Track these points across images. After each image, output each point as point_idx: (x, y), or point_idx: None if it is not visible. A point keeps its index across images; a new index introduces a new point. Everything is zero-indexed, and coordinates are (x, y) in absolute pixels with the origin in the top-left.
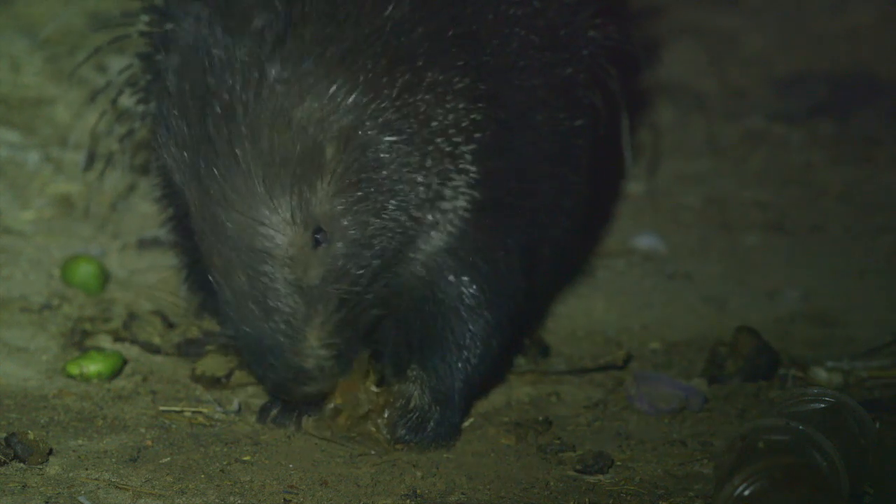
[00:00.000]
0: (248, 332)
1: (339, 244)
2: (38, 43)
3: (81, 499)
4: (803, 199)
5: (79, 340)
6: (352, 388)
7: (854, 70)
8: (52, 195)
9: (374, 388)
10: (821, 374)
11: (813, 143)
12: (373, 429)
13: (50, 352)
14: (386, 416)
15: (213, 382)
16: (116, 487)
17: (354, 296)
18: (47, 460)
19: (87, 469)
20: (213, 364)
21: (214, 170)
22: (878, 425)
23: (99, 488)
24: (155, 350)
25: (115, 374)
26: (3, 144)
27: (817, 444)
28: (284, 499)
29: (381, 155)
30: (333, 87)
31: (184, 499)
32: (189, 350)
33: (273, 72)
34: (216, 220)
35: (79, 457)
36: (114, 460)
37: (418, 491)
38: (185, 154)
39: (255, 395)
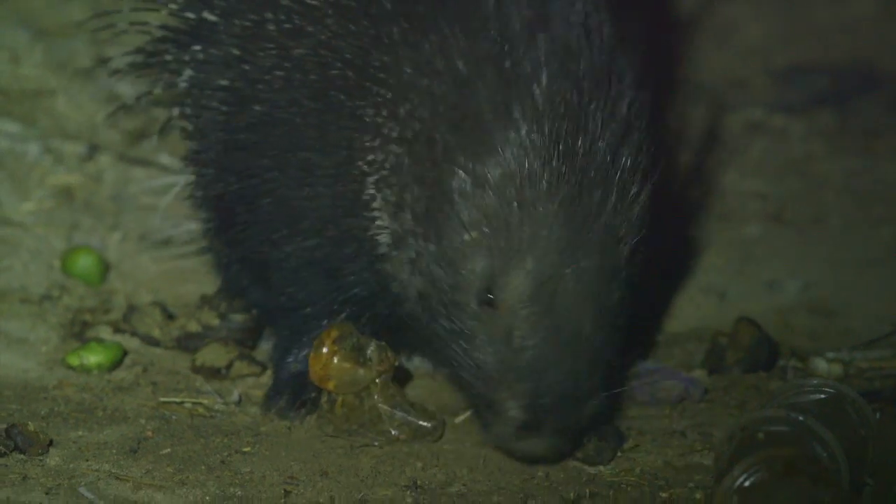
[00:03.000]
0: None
1: None
2: (38, 34)
3: (82, 490)
4: (803, 190)
5: (79, 331)
6: (345, 371)
7: (854, 61)
8: (52, 186)
9: (372, 353)
10: (821, 364)
11: (813, 134)
12: (383, 406)
13: (50, 343)
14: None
15: (214, 373)
16: (117, 478)
17: None
18: (47, 451)
19: (87, 460)
20: (213, 355)
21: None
22: (878, 416)
23: (99, 479)
24: (154, 343)
25: (116, 365)
26: (3, 136)
27: (817, 435)
28: (285, 490)
29: None
30: None
31: (184, 490)
32: (189, 344)
33: None
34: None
35: (79, 448)
36: (114, 451)
37: (419, 482)
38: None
39: (255, 387)
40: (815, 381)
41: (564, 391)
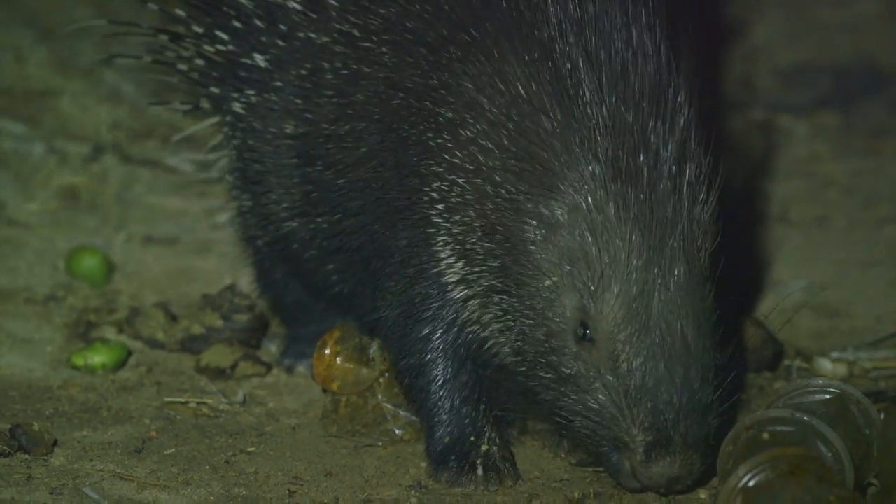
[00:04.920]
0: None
1: None
2: (43, 34)
3: (86, 490)
4: (808, 190)
5: (83, 332)
6: (348, 371)
7: (858, 61)
8: (56, 187)
9: (375, 352)
10: (825, 364)
11: (817, 135)
12: (387, 405)
13: (54, 343)
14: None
15: (218, 373)
16: (121, 478)
17: None
18: (52, 451)
19: (91, 460)
20: (218, 355)
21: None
22: (882, 416)
23: (104, 479)
24: (158, 346)
25: (120, 365)
26: (9, 136)
27: (822, 435)
28: (289, 490)
29: None
30: None
31: (189, 490)
32: (193, 346)
33: None
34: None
35: (84, 448)
36: (119, 451)
37: (423, 482)
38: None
39: (259, 387)
40: (819, 381)
41: (686, 401)
